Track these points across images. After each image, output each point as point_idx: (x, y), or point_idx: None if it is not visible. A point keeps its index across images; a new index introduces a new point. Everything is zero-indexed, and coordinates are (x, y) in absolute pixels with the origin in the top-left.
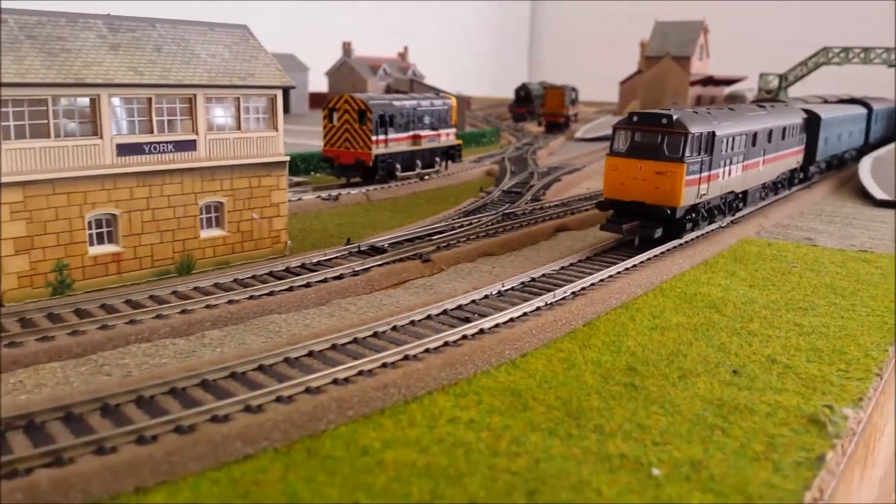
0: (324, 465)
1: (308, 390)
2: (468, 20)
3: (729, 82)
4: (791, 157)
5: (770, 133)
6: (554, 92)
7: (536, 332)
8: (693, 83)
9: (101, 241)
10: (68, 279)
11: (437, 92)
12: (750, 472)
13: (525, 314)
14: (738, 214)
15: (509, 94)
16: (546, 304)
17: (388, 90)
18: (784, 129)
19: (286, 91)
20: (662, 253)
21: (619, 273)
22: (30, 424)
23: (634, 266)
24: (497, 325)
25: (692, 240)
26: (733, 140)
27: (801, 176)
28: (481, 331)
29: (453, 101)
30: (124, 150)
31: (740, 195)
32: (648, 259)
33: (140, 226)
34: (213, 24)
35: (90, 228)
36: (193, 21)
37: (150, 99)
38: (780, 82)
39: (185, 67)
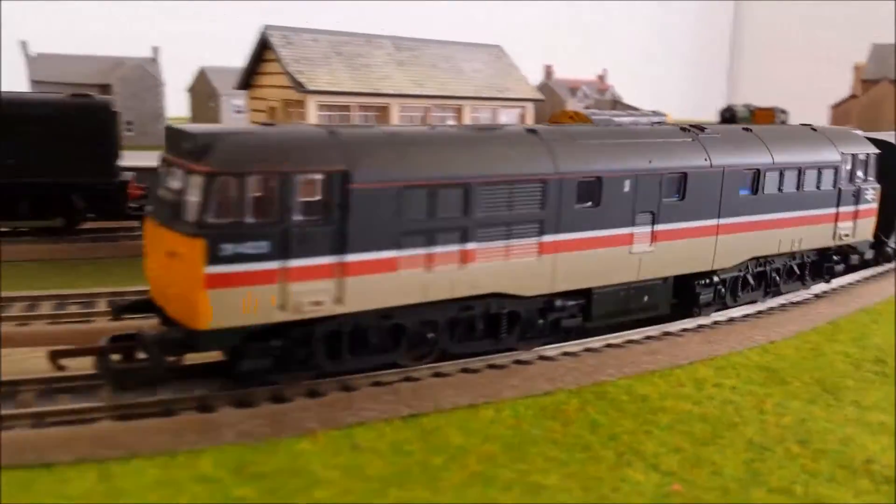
0: (613, 405)
1: (588, 349)
2: (665, 41)
3: None
4: (808, 229)
5: (681, 182)
6: (763, 113)
7: (784, 324)
8: None
9: None
10: None
11: (654, 111)
12: None
13: (771, 308)
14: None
15: (707, 116)
16: (790, 302)
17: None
18: (757, 175)
19: None
20: None
21: (857, 281)
22: None
23: (873, 276)
24: (746, 315)
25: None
26: (468, 195)
27: (867, 258)
28: (731, 319)
29: (669, 118)
30: None
31: (569, 301)
32: (886, 271)
33: None
34: (474, 44)
35: None
36: (458, 41)
37: (427, 108)
38: None
39: (455, 81)
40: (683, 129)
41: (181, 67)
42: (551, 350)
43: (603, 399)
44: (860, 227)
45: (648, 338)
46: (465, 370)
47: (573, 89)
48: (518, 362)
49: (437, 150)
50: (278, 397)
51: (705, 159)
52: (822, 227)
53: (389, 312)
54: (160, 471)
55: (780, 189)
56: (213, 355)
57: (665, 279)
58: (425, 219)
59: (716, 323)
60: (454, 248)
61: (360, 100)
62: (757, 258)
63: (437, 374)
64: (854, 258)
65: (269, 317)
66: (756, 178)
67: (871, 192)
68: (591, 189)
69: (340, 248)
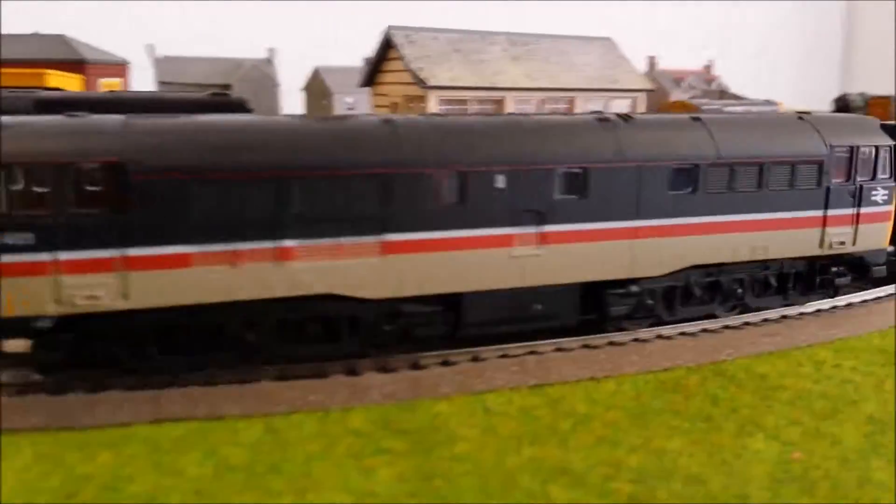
0: (732, 382)
1: (705, 330)
2: (774, 30)
3: None
4: (778, 234)
5: (581, 178)
6: (879, 102)
7: None
8: None
9: None
10: None
11: (766, 100)
12: None
13: (889, 295)
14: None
15: (818, 106)
16: None
17: None
18: (696, 171)
19: None
20: None
21: None
22: None
23: None
24: (865, 301)
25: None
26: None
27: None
28: (849, 304)
29: (781, 106)
30: None
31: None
32: None
33: None
34: (586, 37)
35: None
36: (571, 35)
37: (541, 100)
38: None
39: (567, 74)
40: (601, 119)
41: (295, 67)
42: (668, 330)
43: (722, 376)
44: (865, 234)
45: (766, 320)
46: (586, 346)
47: (678, 80)
48: (637, 340)
49: (247, 142)
50: (416, 364)
51: (615, 152)
52: (802, 233)
53: (197, 311)
54: (317, 425)
55: (730, 187)
56: None
57: (566, 286)
58: (226, 213)
59: (834, 308)
60: (266, 244)
61: (477, 94)
62: (704, 266)
63: (560, 349)
64: (877, 270)
65: (42, 309)
66: (694, 174)
67: (883, 191)
68: (453, 184)
69: (122, 241)
